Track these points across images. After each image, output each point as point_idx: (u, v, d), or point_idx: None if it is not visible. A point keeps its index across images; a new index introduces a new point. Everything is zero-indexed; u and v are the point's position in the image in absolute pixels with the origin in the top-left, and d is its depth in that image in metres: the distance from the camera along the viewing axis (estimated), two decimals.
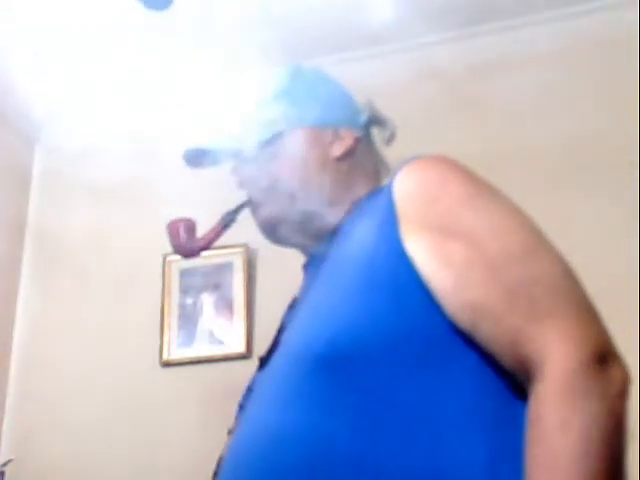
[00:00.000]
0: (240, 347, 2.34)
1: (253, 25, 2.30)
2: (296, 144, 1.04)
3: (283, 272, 2.25)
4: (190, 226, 1.09)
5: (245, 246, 2.41)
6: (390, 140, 1.11)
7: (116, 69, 2.54)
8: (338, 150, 1.05)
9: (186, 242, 1.08)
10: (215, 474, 0.94)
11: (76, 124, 2.76)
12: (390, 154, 1.13)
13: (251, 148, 1.06)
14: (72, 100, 2.70)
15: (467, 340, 0.81)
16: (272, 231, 1.06)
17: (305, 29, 2.35)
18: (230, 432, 0.97)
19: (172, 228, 1.09)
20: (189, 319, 2.43)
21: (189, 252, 1.09)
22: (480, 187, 0.87)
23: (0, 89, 2.52)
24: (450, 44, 2.44)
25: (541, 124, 2.32)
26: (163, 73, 2.56)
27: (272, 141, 1.05)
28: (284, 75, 1.11)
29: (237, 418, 0.97)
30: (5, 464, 2.18)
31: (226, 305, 2.41)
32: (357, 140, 1.06)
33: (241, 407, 0.98)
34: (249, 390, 0.98)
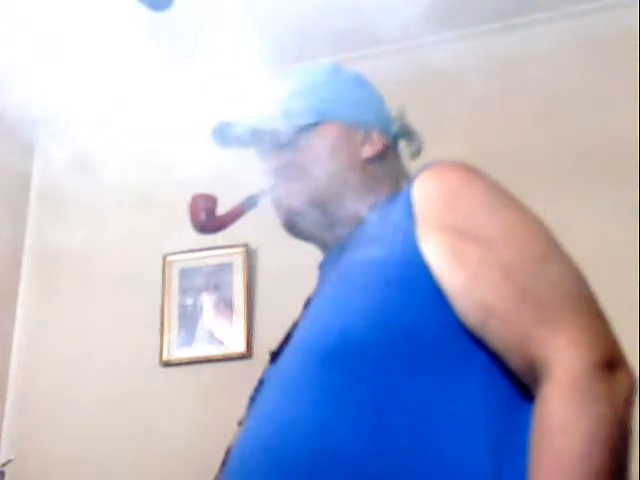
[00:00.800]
0: (240, 347, 2.34)
1: (255, 25, 2.30)
2: (328, 138, 1.05)
3: (283, 272, 2.27)
4: (211, 203, 1.08)
5: (245, 246, 2.41)
6: (416, 154, 1.12)
7: (116, 69, 2.54)
8: (368, 152, 1.05)
9: (206, 218, 1.08)
10: (223, 464, 0.95)
11: (75, 125, 2.76)
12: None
13: (284, 135, 1.05)
14: (72, 101, 2.70)
15: (476, 340, 0.81)
16: (293, 222, 1.06)
17: (306, 29, 2.35)
18: (240, 424, 0.97)
19: (193, 203, 1.08)
20: (189, 319, 2.42)
21: (207, 229, 1.09)
22: (497, 193, 0.88)
23: None
24: (451, 44, 2.44)
25: (541, 124, 2.32)
26: (164, 73, 2.55)
27: (305, 131, 1.05)
28: (324, 69, 1.12)
29: (248, 410, 0.98)
30: (5, 464, 2.18)
31: (226, 305, 2.41)
32: (386, 146, 1.07)
33: (252, 399, 0.98)
34: (260, 383, 0.99)
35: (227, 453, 0.95)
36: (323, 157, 1.04)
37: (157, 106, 2.63)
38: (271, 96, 1.10)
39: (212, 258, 2.42)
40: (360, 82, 1.13)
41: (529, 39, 2.39)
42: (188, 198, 2.42)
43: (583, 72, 2.30)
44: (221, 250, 2.37)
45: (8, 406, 2.47)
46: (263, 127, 1.06)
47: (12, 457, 2.20)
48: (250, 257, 2.43)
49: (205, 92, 2.52)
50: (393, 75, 2.36)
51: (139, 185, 2.53)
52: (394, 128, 1.10)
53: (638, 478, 0.83)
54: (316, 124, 1.05)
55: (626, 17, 2.24)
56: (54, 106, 2.71)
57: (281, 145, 1.06)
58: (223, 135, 1.10)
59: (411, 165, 1.09)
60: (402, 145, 1.13)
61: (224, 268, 2.43)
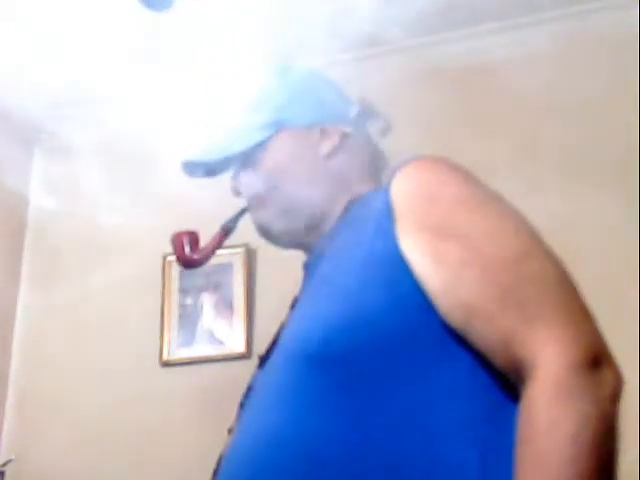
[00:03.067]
0: (240, 347, 2.34)
1: (253, 26, 2.30)
2: (284, 147, 1.05)
3: (283, 272, 2.25)
4: (194, 238, 1.13)
5: (245, 246, 2.41)
6: (385, 132, 1.11)
7: (116, 69, 2.54)
8: (326, 148, 1.05)
9: (190, 254, 1.13)
10: (215, 473, 0.95)
11: (75, 124, 2.76)
12: (388, 154, 1.13)
13: (241, 155, 1.07)
14: (72, 100, 2.70)
15: (460, 340, 0.81)
16: (270, 234, 1.08)
17: (303, 30, 2.35)
18: (230, 431, 0.97)
19: (176, 240, 1.13)
20: (189, 319, 2.43)
21: (193, 263, 1.14)
22: (477, 189, 0.87)
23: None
24: (450, 44, 2.44)
25: (541, 124, 2.32)
26: (164, 73, 2.56)
27: (261, 146, 1.05)
28: (268, 78, 1.12)
29: (237, 417, 0.98)
30: (5, 464, 2.18)
31: (226, 305, 2.41)
32: (345, 135, 1.06)
33: (241, 406, 0.98)
34: (249, 389, 0.98)
35: (218, 462, 0.95)
36: (283, 167, 1.04)
37: (157, 105, 2.63)
38: (224, 119, 1.11)
39: (212, 258, 2.42)
40: (310, 78, 1.13)
41: (529, 39, 2.39)
42: (190, 197, 2.42)
43: (583, 72, 2.30)
44: (221, 250, 2.35)
45: (8, 406, 2.48)
46: (220, 157, 1.08)
47: (12, 457, 2.20)
48: (250, 257, 2.43)
49: (204, 93, 2.52)
50: (393, 75, 2.37)
51: (139, 184, 2.53)
52: (352, 113, 1.08)
53: (638, 474, 0.82)
54: (270, 138, 1.05)
55: (626, 17, 2.24)
56: (54, 106, 2.71)
57: (242, 164, 1.08)
58: (190, 170, 1.12)
59: (392, 159, 1.09)
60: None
61: (224, 268, 2.43)
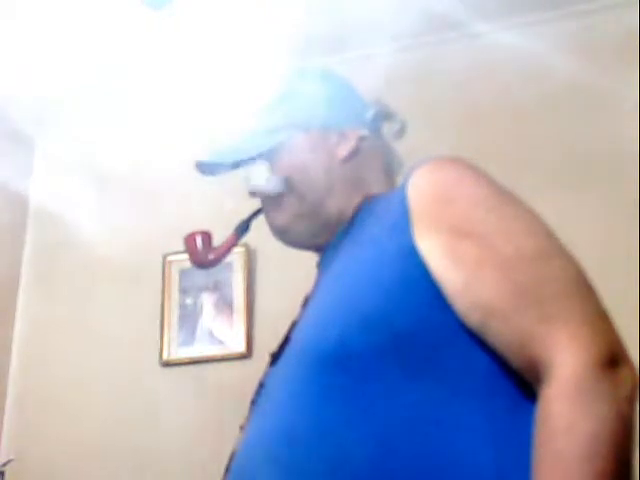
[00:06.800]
0: (240, 347, 2.34)
1: (254, 26, 2.30)
2: (301, 150, 1.05)
3: (283, 272, 2.27)
4: (206, 238, 1.13)
5: (245, 246, 2.41)
6: (400, 134, 1.11)
7: (117, 69, 2.54)
8: (344, 151, 1.05)
9: (203, 254, 1.12)
10: (227, 469, 0.94)
11: (75, 123, 2.76)
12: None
13: (257, 157, 1.07)
14: (72, 99, 2.70)
15: (477, 340, 0.81)
16: (285, 236, 1.08)
17: (305, 30, 2.35)
18: (242, 428, 0.97)
19: (189, 241, 1.13)
20: (189, 319, 2.42)
21: (206, 263, 1.13)
22: (494, 189, 0.87)
23: None
24: (450, 44, 2.44)
25: (540, 123, 2.32)
26: (163, 73, 2.56)
27: (277, 149, 1.05)
28: (287, 80, 1.12)
29: (249, 414, 0.97)
30: (5, 464, 2.17)
31: (226, 305, 2.41)
32: (362, 138, 1.06)
33: (253, 403, 0.98)
34: (261, 385, 0.98)
35: (230, 459, 0.95)
36: (300, 170, 1.04)
37: (157, 104, 2.63)
38: (240, 121, 1.11)
39: None
40: (325, 81, 1.12)
41: (529, 39, 2.39)
42: (191, 197, 2.41)
43: (583, 72, 2.30)
44: None
45: (8, 406, 2.47)
46: (236, 157, 1.08)
47: (12, 457, 2.20)
48: (250, 257, 2.43)
49: (205, 91, 2.52)
50: (392, 75, 2.37)
51: (140, 184, 2.54)
52: (369, 115, 1.09)
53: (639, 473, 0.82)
54: (287, 140, 1.05)
55: (626, 17, 2.24)
56: (54, 105, 2.71)
57: (258, 166, 1.07)
58: (205, 169, 1.12)
59: (407, 160, 1.09)
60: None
61: (224, 268, 2.42)
